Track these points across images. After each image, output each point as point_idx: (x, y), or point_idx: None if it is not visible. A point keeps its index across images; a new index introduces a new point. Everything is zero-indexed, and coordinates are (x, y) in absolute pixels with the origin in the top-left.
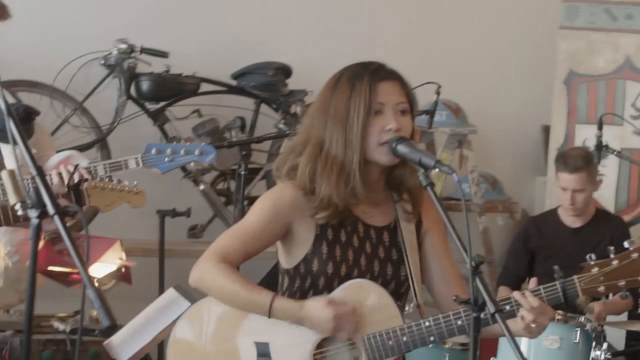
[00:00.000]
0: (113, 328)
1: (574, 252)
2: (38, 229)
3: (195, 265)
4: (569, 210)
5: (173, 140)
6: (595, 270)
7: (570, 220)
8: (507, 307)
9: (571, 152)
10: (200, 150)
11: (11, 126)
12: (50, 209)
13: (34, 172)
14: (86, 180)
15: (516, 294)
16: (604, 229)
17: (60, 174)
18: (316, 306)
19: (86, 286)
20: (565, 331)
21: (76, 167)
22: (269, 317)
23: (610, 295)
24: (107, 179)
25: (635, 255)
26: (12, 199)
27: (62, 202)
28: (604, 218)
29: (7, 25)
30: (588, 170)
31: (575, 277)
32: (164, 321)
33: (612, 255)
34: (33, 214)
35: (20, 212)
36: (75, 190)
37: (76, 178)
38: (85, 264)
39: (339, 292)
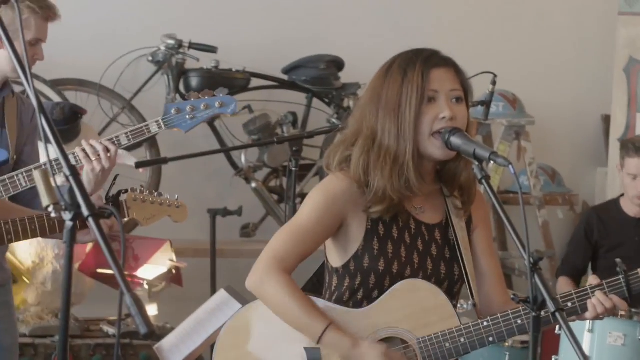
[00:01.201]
0: (150, 335)
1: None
2: (73, 232)
3: (253, 270)
4: (637, 199)
5: (190, 97)
6: None
7: (635, 210)
8: (569, 304)
9: (637, 138)
10: (220, 102)
11: (44, 123)
12: (85, 211)
13: (67, 171)
14: (126, 191)
15: (594, 301)
16: None
17: (84, 150)
18: (372, 350)
19: (123, 292)
20: (630, 327)
21: (116, 177)
22: (317, 344)
23: None
24: (147, 192)
25: None
26: (45, 200)
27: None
28: None
29: (53, 24)
30: None
31: (639, 270)
32: (215, 324)
33: None
34: (67, 216)
35: (53, 215)
36: (115, 202)
37: (115, 189)
38: (122, 268)
39: (393, 292)
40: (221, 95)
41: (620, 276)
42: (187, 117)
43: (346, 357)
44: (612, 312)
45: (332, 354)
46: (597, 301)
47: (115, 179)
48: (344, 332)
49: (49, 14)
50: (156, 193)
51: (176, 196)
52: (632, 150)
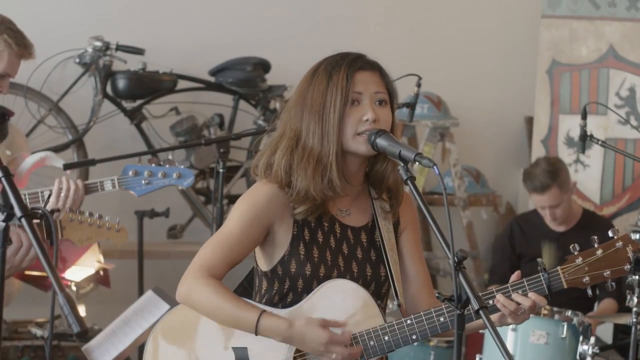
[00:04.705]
0: (83, 334)
1: (559, 257)
2: (6, 233)
3: (181, 281)
4: (552, 222)
5: (152, 162)
6: (579, 260)
7: (555, 224)
8: (491, 302)
9: (535, 171)
10: (178, 173)
11: None
12: (17, 212)
13: None
14: (58, 210)
15: (500, 297)
16: (590, 232)
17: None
18: (309, 326)
19: (55, 291)
20: (552, 326)
21: (49, 195)
22: (256, 334)
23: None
24: (86, 213)
25: (619, 244)
26: None
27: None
28: (590, 221)
29: None
30: (558, 184)
31: (559, 268)
32: (143, 324)
33: (596, 245)
34: None
35: None
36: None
37: (50, 206)
38: (55, 269)
39: (318, 293)
40: (182, 167)
41: (541, 274)
42: (143, 181)
43: (286, 338)
44: (517, 312)
45: (259, 354)
46: (500, 304)
47: (49, 197)
48: (277, 316)
49: (24, 52)
50: (97, 215)
51: (117, 219)
52: (530, 186)
